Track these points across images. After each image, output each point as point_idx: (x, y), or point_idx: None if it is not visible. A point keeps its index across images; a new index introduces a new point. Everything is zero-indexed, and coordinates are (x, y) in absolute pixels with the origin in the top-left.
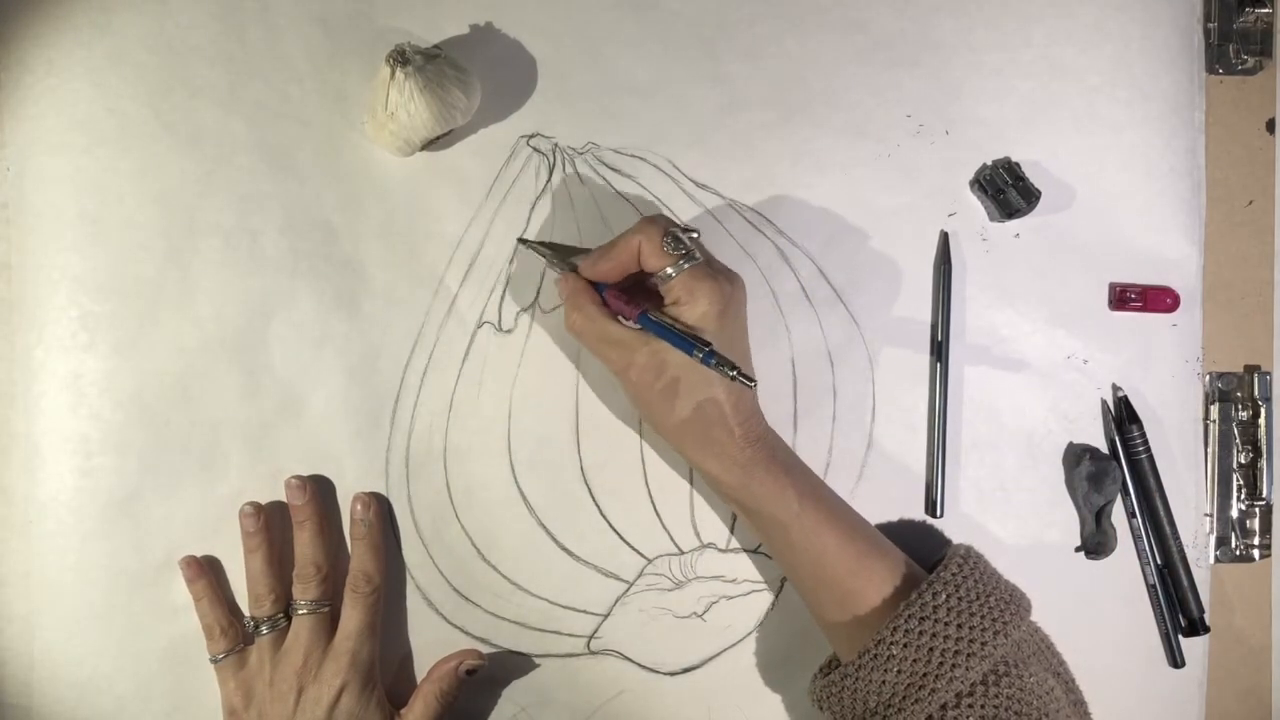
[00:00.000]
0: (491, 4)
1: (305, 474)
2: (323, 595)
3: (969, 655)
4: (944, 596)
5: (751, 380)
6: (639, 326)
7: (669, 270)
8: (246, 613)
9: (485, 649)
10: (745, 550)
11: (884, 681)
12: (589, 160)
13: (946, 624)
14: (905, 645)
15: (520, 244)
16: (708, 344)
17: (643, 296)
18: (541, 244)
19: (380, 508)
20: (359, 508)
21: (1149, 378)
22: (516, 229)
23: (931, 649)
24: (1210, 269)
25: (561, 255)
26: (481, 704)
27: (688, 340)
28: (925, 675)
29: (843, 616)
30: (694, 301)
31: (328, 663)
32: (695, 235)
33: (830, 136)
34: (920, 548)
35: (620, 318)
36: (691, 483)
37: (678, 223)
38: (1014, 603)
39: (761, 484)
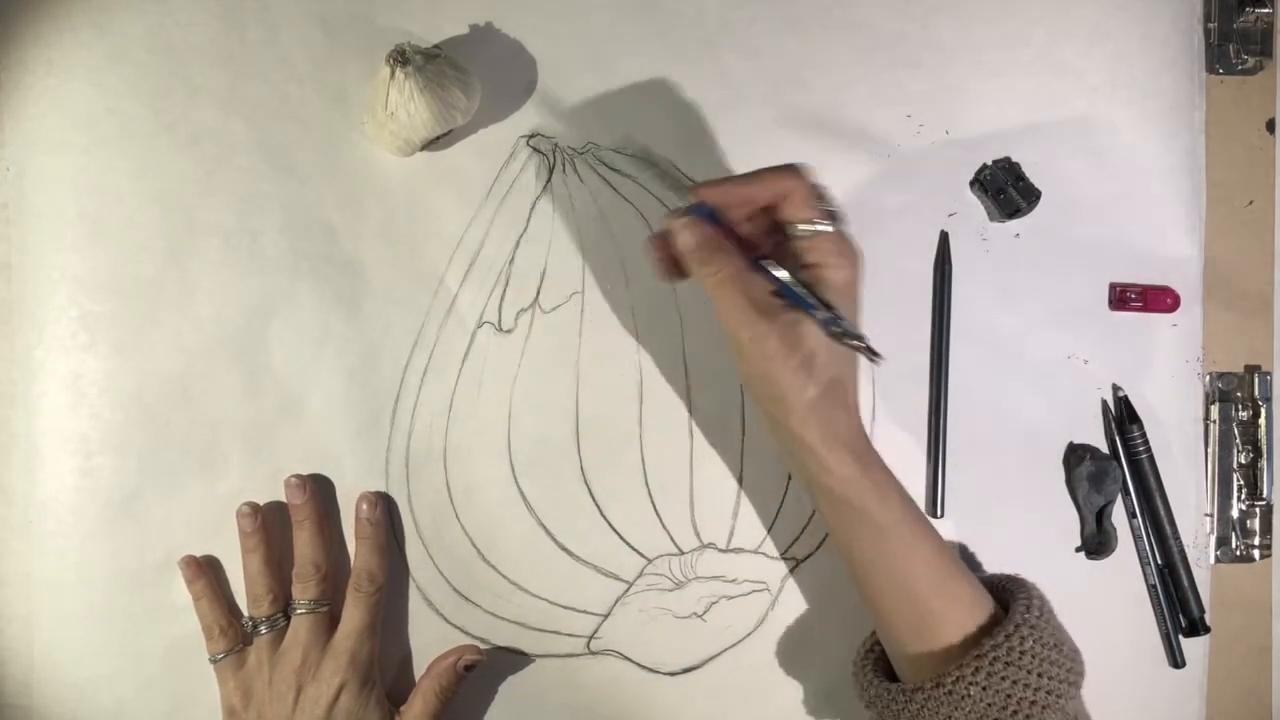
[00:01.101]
0: (491, 4)
1: (305, 474)
2: (322, 595)
3: (1044, 708)
4: (1030, 642)
5: (877, 355)
6: (763, 273)
7: (817, 225)
8: (246, 613)
9: (485, 649)
10: (745, 550)
11: (950, 717)
12: (589, 160)
13: (1028, 671)
14: (985, 688)
15: (642, 159)
16: (834, 309)
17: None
18: (654, 160)
19: (385, 507)
20: (364, 507)
21: (1149, 378)
22: (516, 229)
23: (1010, 695)
24: (1210, 269)
25: (672, 179)
26: (481, 704)
27: (819, 301)
28: None
29: (917, 635)
30: (841, 266)
31: (326, 662)
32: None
33: (830, 136)
34: None
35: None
36: (691, 483)
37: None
38: (1079, 655)
39: (873, 480)
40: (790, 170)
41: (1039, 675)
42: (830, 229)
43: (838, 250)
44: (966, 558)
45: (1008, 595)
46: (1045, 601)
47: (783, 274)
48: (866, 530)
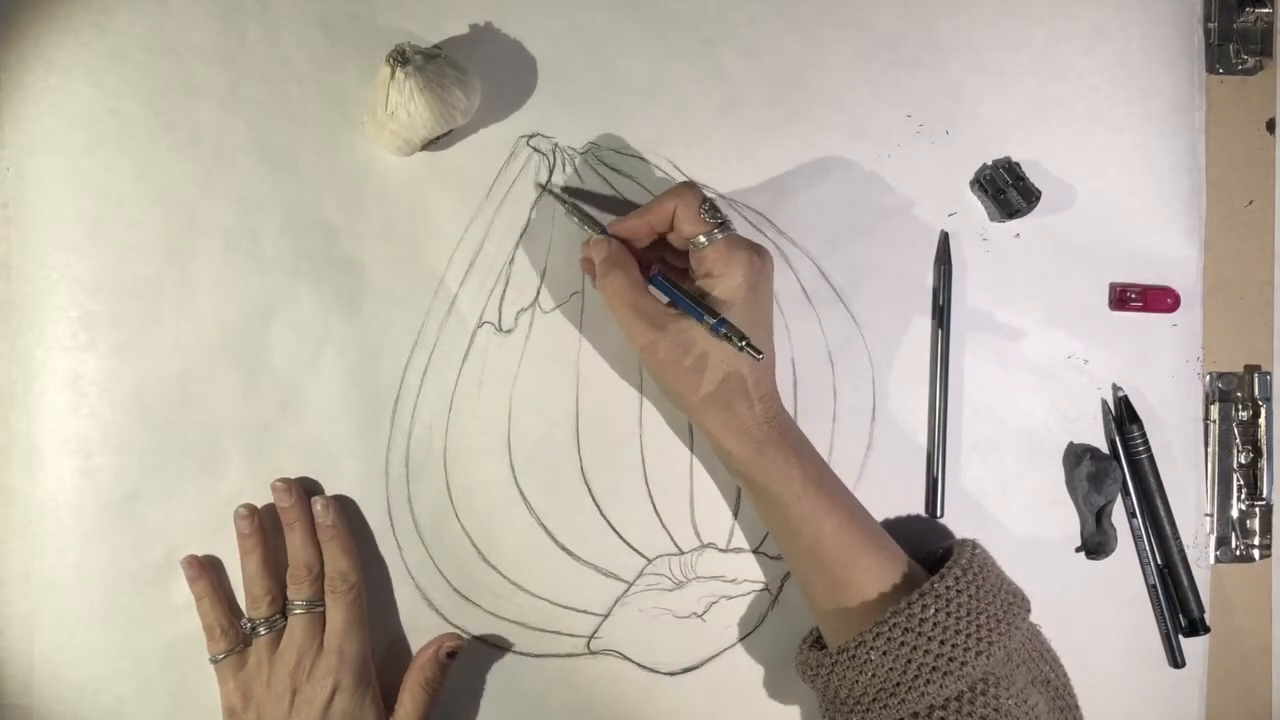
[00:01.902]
0: (491, 4)
1: (306, 474)
2: (316, 595)
3: (945, 673)
4: (932, 610)
5: (759, 352)
6: (655, 287)
7: (702, 238)
8: (245, 614)
9: (485, 649)
10: (745, 550)
11: (857, 681)
12: (589, 160)
13: (930, 638)
14: (884, 653)
15: (543, 190)
16: (717, 314)
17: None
18: (567, 198)
19: (338, 507)
20: (319, 510)
21: (1149, 378)
22: (516, 229)
23: (910, 660)
24: (1210, 269)
25: (582, 214)
26: (482, 704)
27: (701, 308)
28: (898, 685)
29: (831, 604)
30: (727, 273)
31: (320, 663)
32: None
33: (830, 136)
34: (920, 548)
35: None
36: (691, 483)
37: (710, 197)
38: (1007, 616)
39: (771, 461)
40: (678, 190)
41: (940, 642)
42: (719, 237)
43: (724, 259)
44: None
45: (949, 555)
46: (972, 566)
47: (668, 288)
48: (770, 506)
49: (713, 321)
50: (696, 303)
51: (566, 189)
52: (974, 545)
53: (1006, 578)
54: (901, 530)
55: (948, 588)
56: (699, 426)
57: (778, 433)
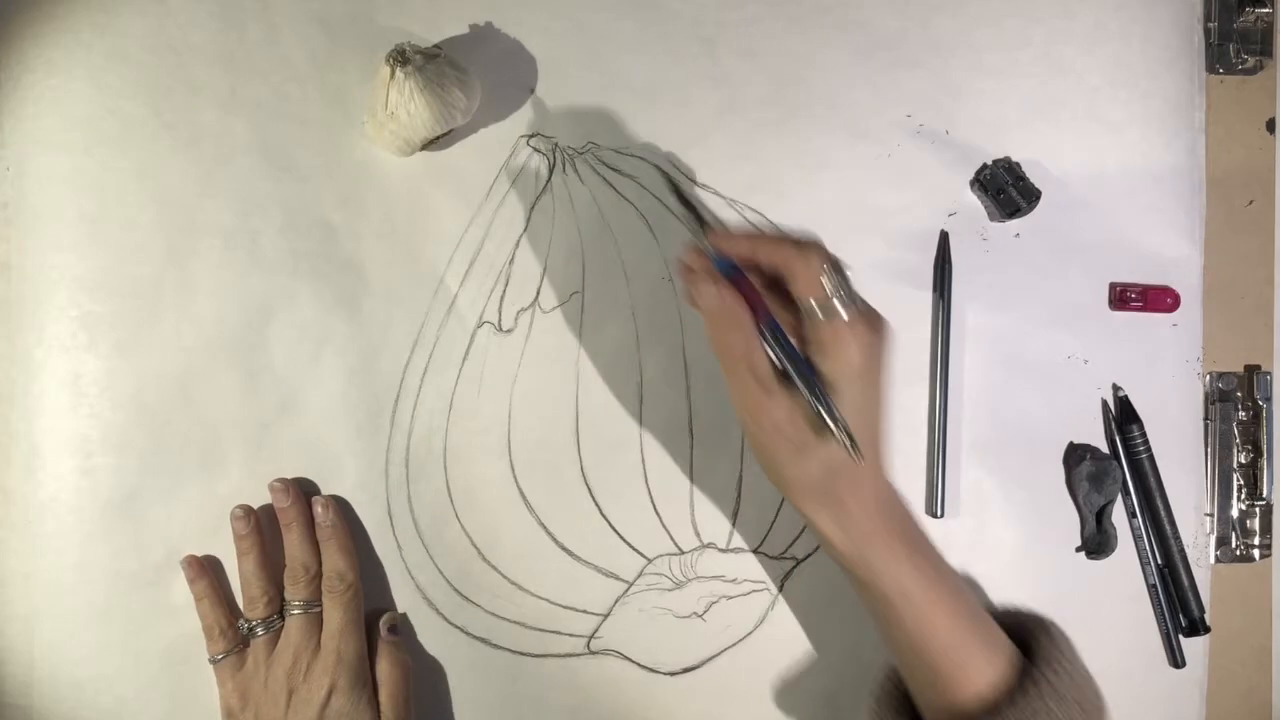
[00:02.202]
0: (491, 4)
1: (306, 473)
2: (313, 595)
3: None
4: (1048, 702)
5: (860, 455)
6: (766, 332)
7: (816, 304)
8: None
9: (485, 649)
10: (745, 550)
11: None
12: (589, 160)
13: None
14: None
15: (670, 186)
16: (827, 399)
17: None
18: (680, 190)
19: (339, 508)
20: (319, 510)
21: (1149, 378)
22: (516, 229)
23: None
24: (1210, 269)
25: (698, 216)
26: (482, 704)
27: (812, 388)
28: None
29: (933, 691)
30: (840, 352)
31: (316, 664)
32: (850, 272)
33: (830, 136)
34: None
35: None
36: (691, 483)
37: (835, 257)
38: (1100, 701)
39: (877, 556)
40: (804, 246)
41: None
42: (837, 309)
43: (839, 336)
44: (966, 558)
45: (1029, 637)
46: (1065, 649)
47: (779, 354)
48: (876, 600)
49: (820, 408)
50: (809, 381)
51: (674, 186)
52: (1057, 629)
53: (1084, 666)
54: None
55: (1054, 675)
56: (797, 509)
57: (885, 526)
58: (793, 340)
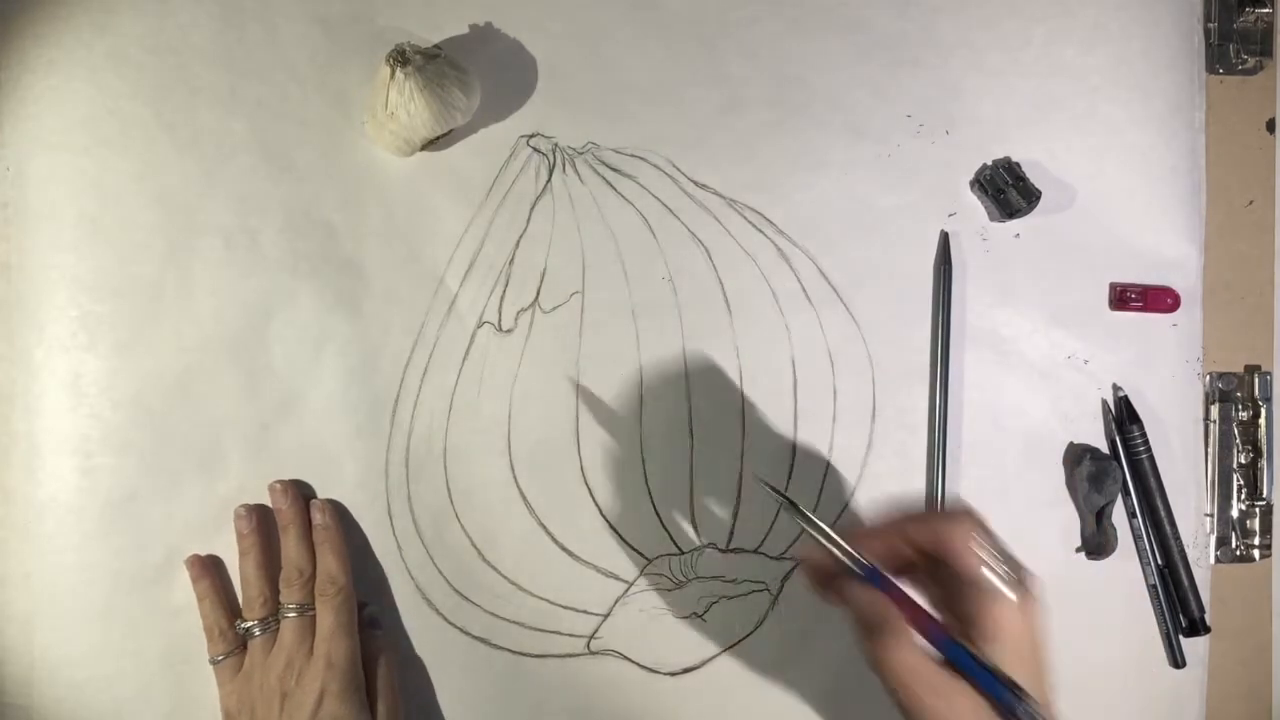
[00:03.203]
0: (491, 4)
1: (306, 473)
2: (306, 599)
3: None
4: None
5: None
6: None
7: (978, 581)
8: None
9: (485, 649)
10: (745, 550)
11: None
12: (589, 160)
13: None
14: None
15: (784, 500)
16: (1029, 697)
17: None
18: (783, 495)
19: (335, 511)
20: (315, 513)
21: (1149, 378)
22: (516, 229)
23: None
24: (1210, 269)
25: (794, 509)
26: (482, 704)
27: (1010, 689)
28: None
29: None
30: (1009, 637)
31: (308, 668)
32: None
33: (830, 136)
34: None
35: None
36: (691, 483)
37: (985, 524)
38: None
39: None
40: (957, 518)
41: None
42: (1010, 596)
43: (1010, 620)
44: None
45: None
46: None
47: (968, 664)
48: None
49: (1020, 708)
50: (1008, 683)
51: (791, 505)
52: None
53: None
54: None
55: None
56: None
57: None
58: (956, 640)
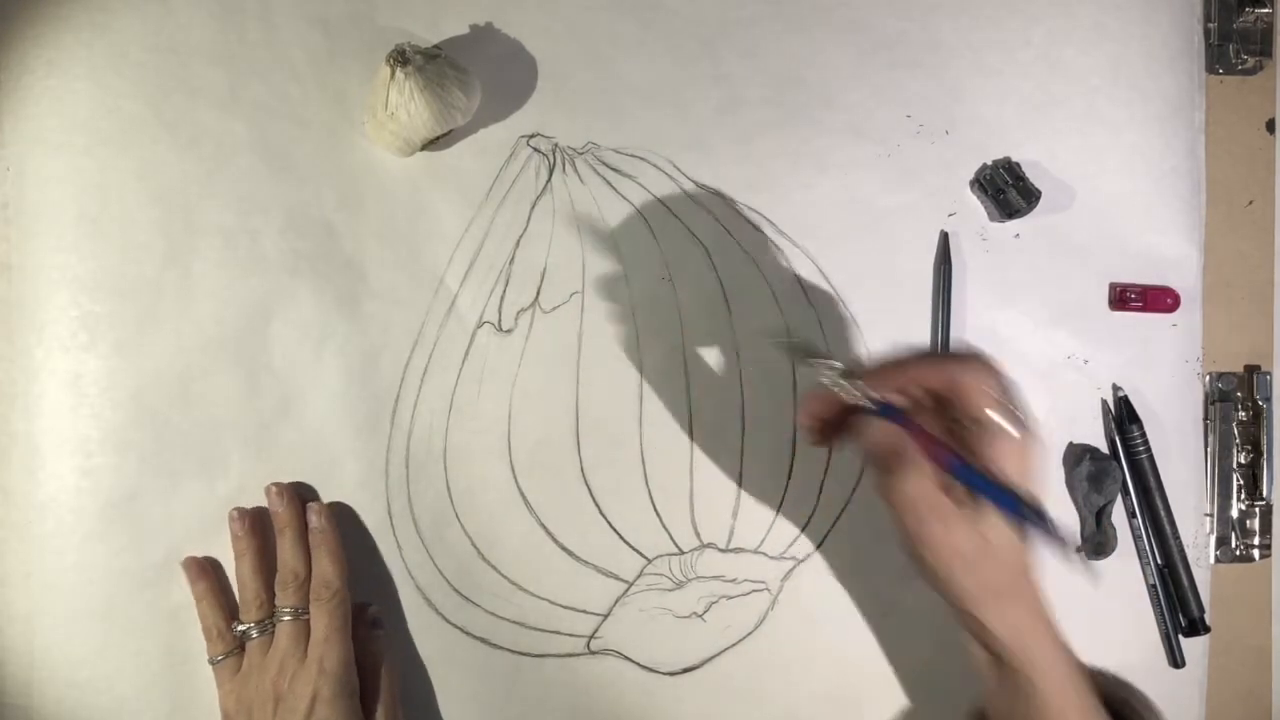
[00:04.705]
0: (491, 4)
1: (306, 474)
2: (301, 602)
3: None
4: None
5: (1066, 541)
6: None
7: (988, 420)
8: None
9: (485, 649)
10: (745, 550)
11: None
12: (589, 160)
13: None
14: None
15: (778, 344)
16: (1042, 511)
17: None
18: (794, 341)
19: (332, 514)
20: (312, 517)
21: (1149, 378)
22: (516, 229)
23: None
24: (1210, 269)
25: (806, 352)
26: (482, 704)
27: (1022, 509)
28: None
29: None
30: (1015, 468)
31: (301, 671)
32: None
33: (830, 136)
34: None
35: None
36: (691, 483)
37: (1000, 368)
38: None
39: (1045, 653)
40: (970, 360)
41: None
42: (1013, 432)
43: (1015, 454)
44: None
45: (1128, 711)
46: None
47: (979, 484)
48: (1019, 689)
49: (1038, 527)
50: (1025, 499)
51: (798, 348)
52: (1152, 705)
53: None
54: None
55: None
56: (969, 618)
57: (1046, 620)
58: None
